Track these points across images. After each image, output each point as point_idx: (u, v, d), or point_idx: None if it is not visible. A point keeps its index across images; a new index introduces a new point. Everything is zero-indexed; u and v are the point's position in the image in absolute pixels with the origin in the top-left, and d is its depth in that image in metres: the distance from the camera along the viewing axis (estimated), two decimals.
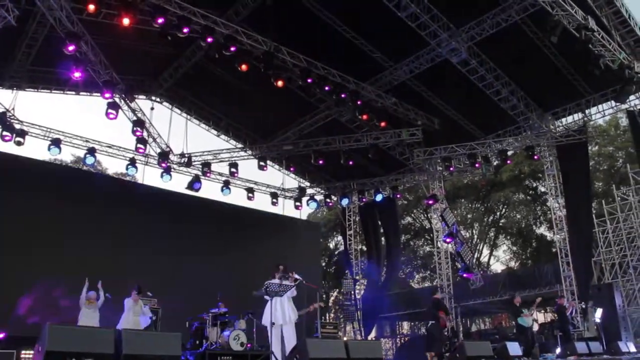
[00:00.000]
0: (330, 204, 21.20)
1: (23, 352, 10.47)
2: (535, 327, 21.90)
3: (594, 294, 16.08)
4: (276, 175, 20.65)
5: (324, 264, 33.49)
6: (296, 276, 8.69)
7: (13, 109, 14.76)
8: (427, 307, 12.26)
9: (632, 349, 12.83)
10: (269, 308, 8.08)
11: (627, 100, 14.21)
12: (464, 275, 19.17)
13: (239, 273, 16.48)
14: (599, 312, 15.02)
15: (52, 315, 11.27)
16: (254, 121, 18.73)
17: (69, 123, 41.28)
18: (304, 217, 27.02)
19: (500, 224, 33.61)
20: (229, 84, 16.24)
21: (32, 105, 19.50)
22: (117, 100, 14.40)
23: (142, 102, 16.97)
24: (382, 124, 15.98)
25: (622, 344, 12.68)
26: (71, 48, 11.49)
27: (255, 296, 8.49)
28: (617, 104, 15.07)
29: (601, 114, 16.30)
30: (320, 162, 16.98)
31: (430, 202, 18.42)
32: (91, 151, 16.21)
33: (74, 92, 16.23)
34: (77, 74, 12.10)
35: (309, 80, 13.64)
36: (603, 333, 14.33)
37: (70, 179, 16.66)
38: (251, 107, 17.70)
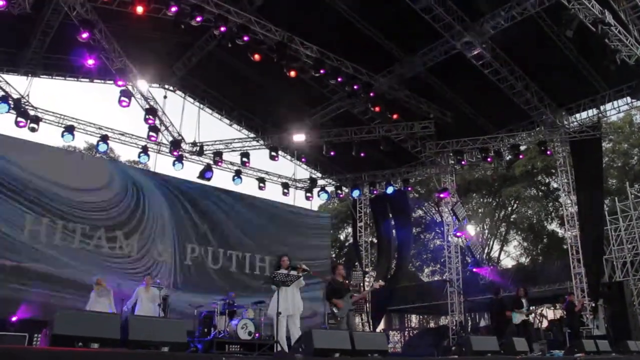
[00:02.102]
0: (341, 195, 21.20)
1: (35, 335, 10.65)
2: (545, 324, 21.86)
3: (604, 292, 15.95)
4: (287, 166, 20.64)
5: (334, 255, 33.52)
6: (304, 267, 8.72)
7: (28, 95, 14.96)
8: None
9: None
10: (276, 298, 8.16)
11: None
12: (474, 269, 19.18)
13: (248, 263, 16.58)
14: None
15: (61, 301, 11.41)
16: (266, 111, 18.71)
17: (83, 110, 41.67)
18: (315, 208, 27.06)
19: (512, 219, 33.43)
20: (242, 74, 16.24)
21: (47, 92, 19.65)
22: (129, 88, 14.49)
23: (155, 91, 17.10)
24: (395, 116, 15.96)
25: (631, 342, 12.55)
26: (85, 35, 11.60)
27: (262, 286, 8.57)
28: (633, 100, 14.89)
29: (616, 110, 16.04)
30: (332, 153, 16.94)
31: (442, 195, 18.38)
32: (104, 138, 16.34)
33: (87, 80, 16.35)
34: (90, 62, 12.26)
35: (322, 71, 13.60)
36: (612, 331, 14.22)
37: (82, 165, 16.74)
38: (264, 97, 17.74)
